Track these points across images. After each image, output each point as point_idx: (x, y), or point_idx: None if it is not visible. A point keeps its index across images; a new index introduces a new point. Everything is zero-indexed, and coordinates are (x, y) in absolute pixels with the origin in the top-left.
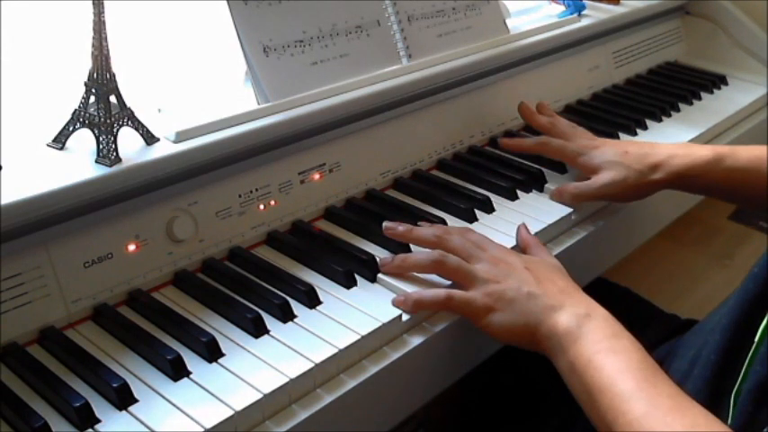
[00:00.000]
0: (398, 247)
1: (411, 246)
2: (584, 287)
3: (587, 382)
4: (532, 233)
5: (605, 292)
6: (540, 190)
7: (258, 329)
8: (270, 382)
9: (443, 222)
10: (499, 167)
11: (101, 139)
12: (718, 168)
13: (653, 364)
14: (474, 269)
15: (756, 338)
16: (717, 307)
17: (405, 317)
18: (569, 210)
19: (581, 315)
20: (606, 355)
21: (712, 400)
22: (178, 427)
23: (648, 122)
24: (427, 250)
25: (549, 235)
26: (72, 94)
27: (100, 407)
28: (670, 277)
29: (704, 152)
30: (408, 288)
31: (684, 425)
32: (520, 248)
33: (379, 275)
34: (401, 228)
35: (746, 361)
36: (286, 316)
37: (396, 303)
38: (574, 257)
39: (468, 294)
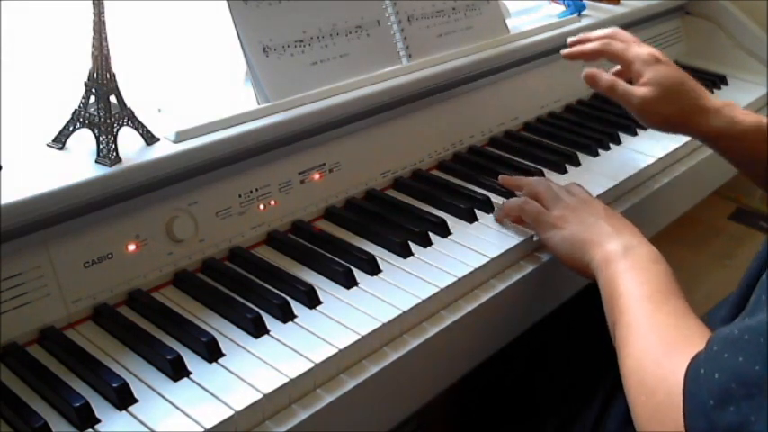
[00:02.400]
0: (400, 247)
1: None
2: (582, 288)
3: (612, 289)
4: (533, 233)
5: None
6: None
7: (258, 329)
8: (270, 382)
9: (443, 222)
10: (499, 167)
11: (101, 139)
12: (756, 134)
13: (676, 289)
14: (557, 198)
15: None
16: (714, 307)
17: (405, 317)
18: None
19: (633, 243)
20: (637, 272)
21: None
22: (178, 427)
23: None
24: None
25: None
26: (72, 94)
27: (100, 407)
28: None
29: (748, 118)
30: (404, 282)
31: (676, 326)
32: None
33: (380, 275)
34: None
35: None
36: (286, 316)
37: (497, 219)
38: None
39: (541, 207)
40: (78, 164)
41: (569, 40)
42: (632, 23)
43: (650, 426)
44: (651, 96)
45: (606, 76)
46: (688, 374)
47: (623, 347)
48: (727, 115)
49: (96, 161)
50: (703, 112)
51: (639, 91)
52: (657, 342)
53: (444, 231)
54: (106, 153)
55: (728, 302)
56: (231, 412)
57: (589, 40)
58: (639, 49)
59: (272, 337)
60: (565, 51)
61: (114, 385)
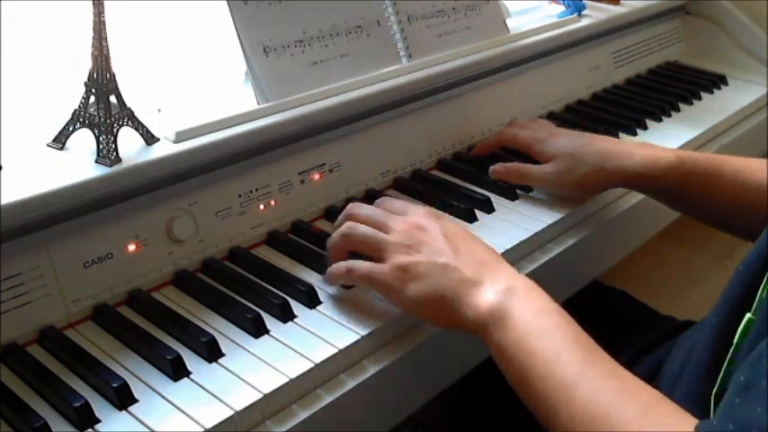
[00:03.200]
0: None
1: None
2: (580, 290)
3: (520, 367)
4: (532, 233)
5: (601, 295)
6: None
7: (258, 329)
8: (270, 382)
9: None
10: None
11: (101, 139)
12: (677, 172)
13: (587, 340)
14: (384, 239)
15: (735, 340)
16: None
17: (405, 316)
18: (569, 210)
19: (503, 291)
20: (538, 338)
21: (704, 399)
22: (178, 427)
23: (648, 122)
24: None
25: (550, 235)
26: (72, 94)
27: (100, 407)
28: (670, 278)
29: (667, 154)
30: None
31: (617, 387)
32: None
33: None
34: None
35: (725, 364)
36: (286, 316)
37: (328, 278)
38: (573, 258)
39: (375, 266)
40: (78, 164)
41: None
42: (632, 23)
43: None
44: (558, 168)
45: (512, 166)
46: None
47: (558, 419)
48: (645, 155)
49: (96, 161)
50: (615, 158)
51: (546, 167)
52: (601, 417)
53: None
54: (106, 153)
55: (717, 301)
56: (231, 412)
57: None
58: (531, 131)
59: (272, 337)
60: (474, 151)
61: (114, 385)
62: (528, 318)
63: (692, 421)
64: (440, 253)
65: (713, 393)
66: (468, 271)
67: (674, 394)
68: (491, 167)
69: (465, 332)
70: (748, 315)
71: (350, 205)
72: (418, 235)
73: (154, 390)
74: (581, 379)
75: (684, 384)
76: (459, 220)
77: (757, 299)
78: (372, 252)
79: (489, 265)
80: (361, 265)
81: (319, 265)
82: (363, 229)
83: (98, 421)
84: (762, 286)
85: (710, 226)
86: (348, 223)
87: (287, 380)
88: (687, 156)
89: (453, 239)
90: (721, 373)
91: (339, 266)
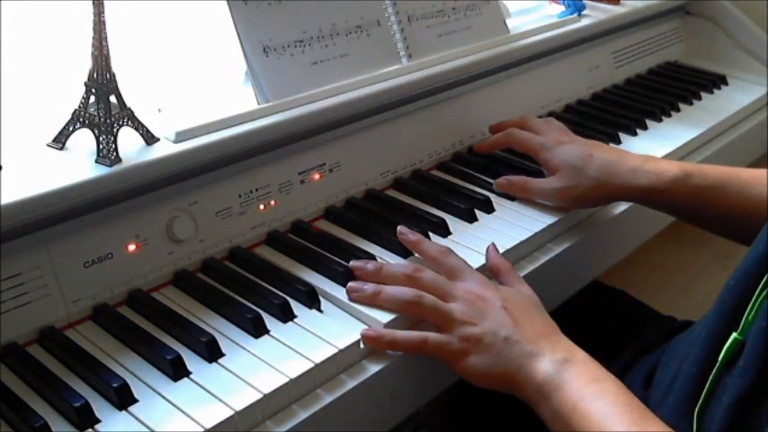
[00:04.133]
0: (400, 247)
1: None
2: (580, 290)
3: (574, 430)
4: (532, 233)
5: (601, 295)
6: None
7: (258, 329)
8: (270, 382)
9: (443, 222)
10: (499, 167)
11: (101, 139)
12: (683, 185)
13: (638, 404)
14: (450, 310)
15: (720, 357)
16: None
17: (405, 317)
18: (570, 210)
19: (560, 361)
20: (591, 401)
21: (691, 414)
22: (178, 427)
23: (648, 122)
24: (401, 287)
25: (549, 235)
26: (72, 94)
27: (100, 407)
28: (670, 278)
29: (671, 168)
30: None
31: None
32: (488, 272)
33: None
34: (370, 266)
35: (707, 382)
36: (286, 316)
37: (366, 338)
38: (572, 258)
39: (443, 338)
40: (78, 164)
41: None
42: (632, 23)
43: None
44: (561, 184)
45: (515, 179)
46: None
47: None
48: (649, 170)
49: (96, 161)
50: (619, 174)
51: (549, 182)
52: None
53: (444, 231)
54: (106, 153)
55: (708, 314)
56: (231, 412)
57: (504, 127)
58: (540, 137)
59: (272, 337)
60: (478, 147)
61: (114, 385)
62: (582, 384)
63: None
64: (501, 325)
65: (695, 411)
66: (528, 343)
67: (663, 407)
68: (495, 181)
69: (521, 397)
70: (734, 335)
71: (410, 267)
72: (480, 305)
73: (154, 390)
74: None
75: (673, 398)
76: (520, 293)
77: (743, 320)
78: (438, 322)
79: (547, 334)
80: (434, 336)
81: (319, 265)
82: (431, 299)
83: (98, 421)
84: (749, 308)
85: (721, 236)
86: (416, 292)
87: (287, 380)
88: (693, 168)
89: (512, 310)
90: (704, 392)
91: (415, 335)
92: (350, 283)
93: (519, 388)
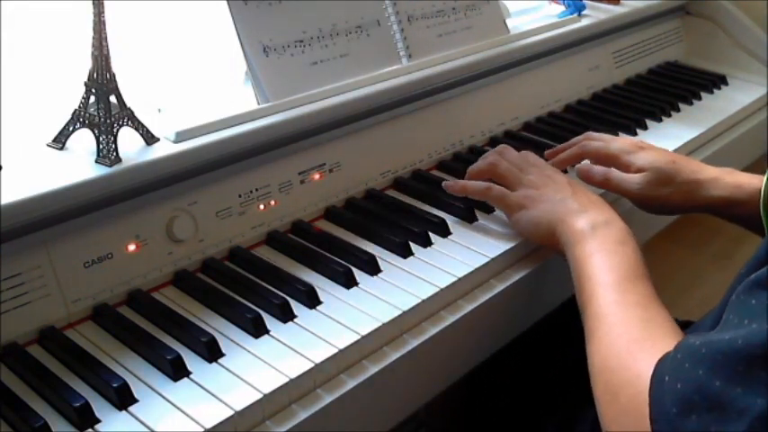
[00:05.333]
0: (400, 247)
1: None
2: None
3: (581, 272)
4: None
5: None
6: None
7: (258, 329)
8: (270, 382)
9: (443, 222)
10: None
11: (101, 139)
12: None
13: (643, 271)
14: (521, 176)
15: None
16: (710, 311)
17: (405, 317)
18: None
19: (599, 221)
20: (602, 256)
21: None
22: (178, 427)
23: (648, 122)
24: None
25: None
26: (72, 94)
27: (100, 407)
28: (670, 278)
29: (751, 180)
30: (404, 282)
31: (642, 317)
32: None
33: (380, 275)
34: (459, 184)
35: None
36: (286, 316)
37: (445, 186)
38: None
39: (505, 190)
40: (78, 164)
41: (547, 153)
42: (632, 23)
43: (615, 426)
44: (646, 181)
45: (598, 168)
46: (654, 379)
47: (590, 341)
48: (728, 182)
49: (96, 161)
50: (702, 185)
51: (634, 177)
52: (623, 340)
53: (444, 231)
54: (106, 153)
55: (717, 306)
56: (231, 412)
57: (565, 149)
58: (620, 143)
59: (272, 337)
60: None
61: (114, 385)
62: (606, 241)
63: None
64: (560, 191)
65: None
66: (578, 204)
67: None
68: (576, 167)
69: (556, 247)
70: None
71: (500, 146)
72: (547, 179)
73: (154, 390)
74: (614, 288)
75: None
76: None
77: None
78: (508, 183)
79: (598, 205)
80: (498, 187)
81: (319, 265)
82: (507, 166)
83: (98, 421)
84: None
85: None
86: (495, 158)
87: (287, 380)
88: None
89: (575, 187)
90: None
91: (479, 184)
92: (444, 182)
93: (557, 237)
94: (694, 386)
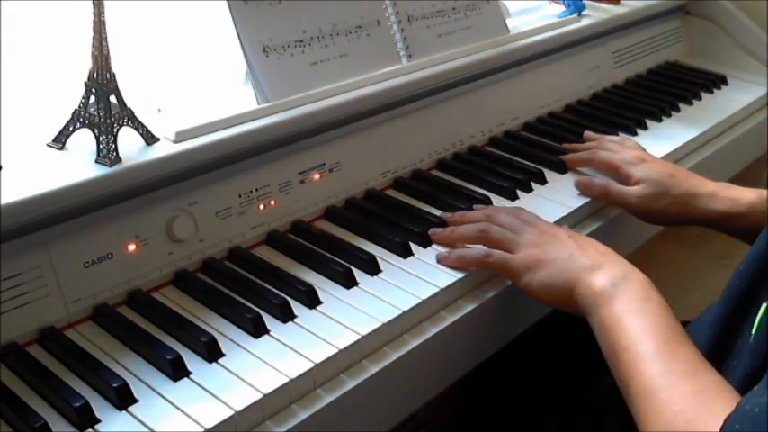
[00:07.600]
0: (400, 247)
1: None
2: None
3: (613, 340)
4: None
5: None
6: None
7: (258, 329)
8: (270, 382)
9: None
10: (499, 167)
11: (101, 139)
12: (760, 210)
13: (679, 330)
14: (517, 238)
15: (753, 330)
16: (707, 307)
17: (405, 317)
18: (569, 210)
19: (618, 276)
20: (634, 317)
21: None
22: (178, 427)
23: (648, 122)
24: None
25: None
26: (72, 94)
27: (100, 407)
28: (670, 277)
29: (747, 194)
30: (404, 282)
31: (695, 389)
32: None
33: (380, 275)
34: (446, 231)
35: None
36: (286, 316)
37: (440, 258)
38: None
39: (507, 254)
40: (78, 164)
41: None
42: (632, 23)
43: None
44: (645, 193)
45: (597, 180)
46: None
47: (645, 422)
48: (725, 196)
49: (96, 161)
50: (700, 198)
51: (633, 190)
52: (680, 420)
53: None
54: (106, 153)
55: (716, 300)
56: (231, 412)
57: (578, 149)
58: (624, 154)
59: (272, 337)
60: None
61: (114, 385)
62: (632, 300)
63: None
64: (565, 247)
65: None
66: (589, 259)
67: None
68: (576, 179)
69: (576, 310)
70: (765, 304)
71: (490, 207)
72: (547, 236)
73: (154, 390)
74: (657, 357)
75: None
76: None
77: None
78: (504, 248)
79: (609, 256)
80: (498, 252)
81: (319, 265)
82: (499, 230)
83: (98, 421)
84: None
85: None
86: (484, 225)
87: (287, 380)
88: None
89: (578, 240)
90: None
91: (476, 253)
92: (432, 230)
93: (576, 300)
94: None
